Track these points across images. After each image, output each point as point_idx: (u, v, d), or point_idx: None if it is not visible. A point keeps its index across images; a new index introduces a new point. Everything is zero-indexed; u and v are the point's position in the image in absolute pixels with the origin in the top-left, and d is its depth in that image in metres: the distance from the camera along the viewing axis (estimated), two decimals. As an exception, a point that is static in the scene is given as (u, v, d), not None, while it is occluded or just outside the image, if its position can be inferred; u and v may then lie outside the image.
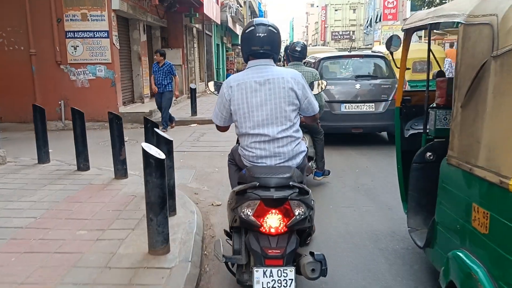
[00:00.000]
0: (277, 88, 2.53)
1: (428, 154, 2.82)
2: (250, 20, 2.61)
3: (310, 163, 4.75)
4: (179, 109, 12.51)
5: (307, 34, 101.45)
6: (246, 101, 2.55)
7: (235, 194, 2.38)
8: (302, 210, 2.29)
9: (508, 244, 1.70)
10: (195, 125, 10.26)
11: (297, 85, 2.57)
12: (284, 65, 6.23)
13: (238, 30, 26.77)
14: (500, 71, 1.82)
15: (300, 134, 2.69)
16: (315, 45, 57.87)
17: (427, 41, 3.32)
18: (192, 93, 11.11)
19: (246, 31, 2.60)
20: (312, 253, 2.31)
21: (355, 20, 67.48)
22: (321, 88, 3.94)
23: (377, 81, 7.34)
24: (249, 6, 32.30)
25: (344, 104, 7.12)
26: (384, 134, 8.04)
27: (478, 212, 1.94)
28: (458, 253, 2.08)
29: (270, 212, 2.24)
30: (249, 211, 2.27)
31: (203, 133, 9.14)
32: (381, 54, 8.07)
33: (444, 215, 2.40)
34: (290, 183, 2.27)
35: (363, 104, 7.11)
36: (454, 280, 2.08)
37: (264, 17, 26.29)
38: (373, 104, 7.08)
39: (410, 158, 3.02)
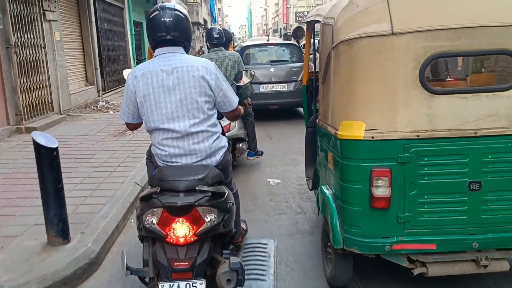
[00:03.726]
0: (186, 77, 2.33)
1: (317, 120, 3.66)
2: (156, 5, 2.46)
3: (240, 145, 5.23)
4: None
5: (266, 18, 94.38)
6: (152, 92, 2.33)
7: (139, 200, 2.19)
8: (214, 216, 2.12)
9: (339, 173, 2.56)
10: None
11: (209, 75, 2.37)
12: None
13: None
14: (334, 58, 2.65)
15: (218, 128, 2.53)
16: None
17: None
18: None
19: (151, 16, 2.38)
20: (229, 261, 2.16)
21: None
22: (251, 75, 3.57)
23: (289, 65, 8.92)
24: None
25: (262, 85, 8.64)
26: (300, 109, 9.30)
27: (330, 156, 2.80)
28: (322, 186, 2.92)
29: (176, 221, 2.05)
30: (154, 219, 2.08)
31: None
32: (293, 43, 9.74)
33: (320, 162, 3.25)
34: (197, 187, 2.09)
35: (277, 84, 8.68)
36: (319, 206, 2.95)
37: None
38: (286, 84, 8.68)
39: None
